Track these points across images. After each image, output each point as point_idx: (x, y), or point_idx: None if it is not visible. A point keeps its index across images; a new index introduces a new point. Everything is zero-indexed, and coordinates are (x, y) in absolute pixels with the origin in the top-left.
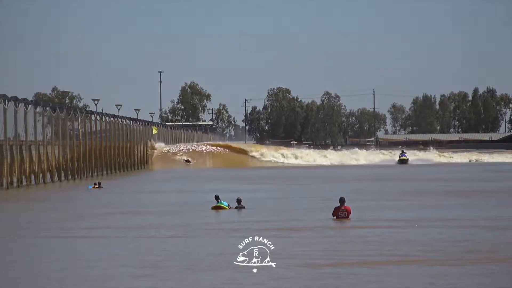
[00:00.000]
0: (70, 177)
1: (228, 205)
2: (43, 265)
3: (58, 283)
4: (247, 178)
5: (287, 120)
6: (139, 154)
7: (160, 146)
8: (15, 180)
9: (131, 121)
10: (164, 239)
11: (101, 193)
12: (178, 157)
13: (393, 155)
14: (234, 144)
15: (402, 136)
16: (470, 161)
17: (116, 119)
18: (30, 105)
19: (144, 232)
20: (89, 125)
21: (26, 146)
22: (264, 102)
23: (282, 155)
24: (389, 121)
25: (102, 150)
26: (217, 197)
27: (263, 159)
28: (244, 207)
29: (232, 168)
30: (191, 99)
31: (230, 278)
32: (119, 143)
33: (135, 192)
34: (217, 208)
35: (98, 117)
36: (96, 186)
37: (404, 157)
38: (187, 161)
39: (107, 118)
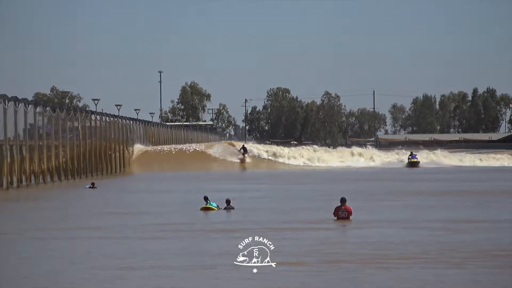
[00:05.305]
0: (70, 177)
1: (217, 206)
2: (35, 265)
3: (58, 284)
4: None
5: (287, 120)
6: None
7: (139, 147)
8: (15, 180)
9: (112, 119)
10: (160, 240)
11: (96, 193)
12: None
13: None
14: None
15: (402, 136)
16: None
17: (116, 118)
18: (30, 105)
19: (141, 232)
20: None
21: (26, 146)
22: (264, 102)
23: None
24: (389, 121)
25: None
26: (206, 198)
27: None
28: (233, 208)
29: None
30: (191, 99)
31: (230, 278)
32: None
33: (129, 192)
34: (206, 209)
35: (98, 117)
36: (91, 186)
37: (414, 159)
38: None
39: (107, 118)
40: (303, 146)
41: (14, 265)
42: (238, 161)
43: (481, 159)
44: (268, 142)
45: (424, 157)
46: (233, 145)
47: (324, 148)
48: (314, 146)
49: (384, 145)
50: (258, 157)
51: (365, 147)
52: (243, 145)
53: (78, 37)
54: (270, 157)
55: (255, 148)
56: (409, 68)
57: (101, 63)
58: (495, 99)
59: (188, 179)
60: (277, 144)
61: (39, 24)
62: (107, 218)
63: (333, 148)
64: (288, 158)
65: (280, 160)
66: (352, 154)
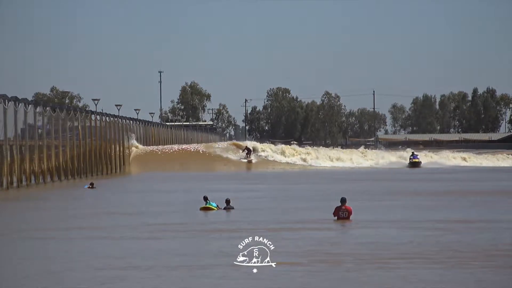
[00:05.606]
0: (70, 177)
1: (217, 206)
2: (34, 266)
3: (59, 284)
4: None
5: (287, 120)
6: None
7: (139, 147)
8: (15, 180)
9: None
10: (160, 240)
11: (95, 193)
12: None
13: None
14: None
15: (402, 136)
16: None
17: (115, 118)
18: (30, 105)
19: (141, 232)
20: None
21: (26, 146)
22: (264, 102)
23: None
24: (389, 121)
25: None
26: (205, 198)
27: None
28: (233, 208)
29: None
30: (191, 99)
31: (230, 278)
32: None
33: (128, 192)
34: (205, 209)
35: (98, 117)
36: (90, 187)
37: (416, 160)
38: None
39: (107, 118)
40: (314, 147)
41: (14, 265)
42: (241, 161)
43: (498, 159)
44: (268, 142)
45: (435, 158)
46: (236, 145)
47: (337, 148)
48: (324, 147)
49: (384, 145)
50: (266, 157)
51: (378, 148)
52: (247, 146)
53: (78, 37)
54: (276, 157)
55: (266, 147)
56: (409, 68)
57: (101, 63)
58: (495, 99)
59: (188, 179)
60: (290, 144)
61: (39, 24)
62: (107, 218)
63: (339, 148)
64: (293, 156)
65: (288, 160)
66: (364, 155)
